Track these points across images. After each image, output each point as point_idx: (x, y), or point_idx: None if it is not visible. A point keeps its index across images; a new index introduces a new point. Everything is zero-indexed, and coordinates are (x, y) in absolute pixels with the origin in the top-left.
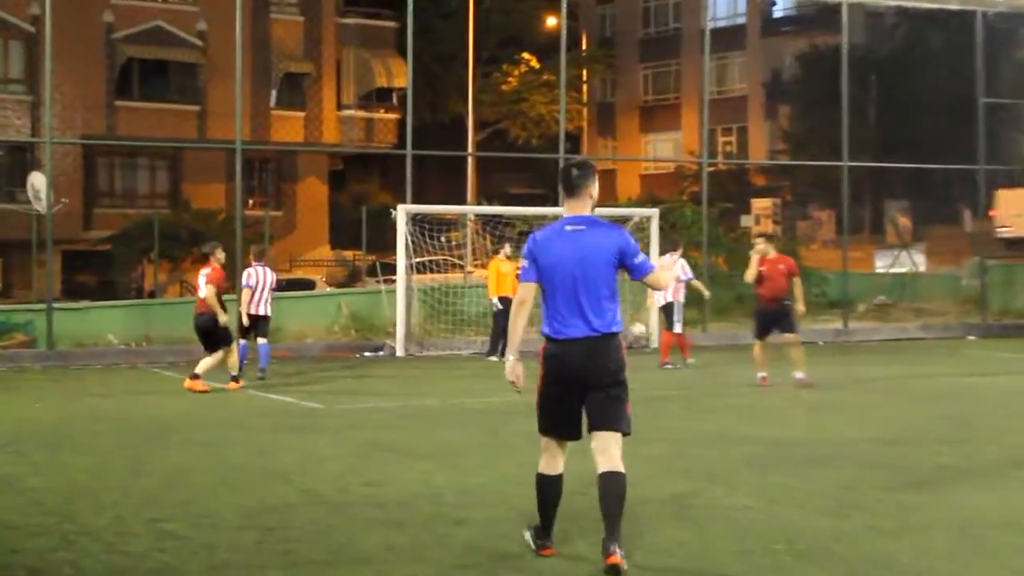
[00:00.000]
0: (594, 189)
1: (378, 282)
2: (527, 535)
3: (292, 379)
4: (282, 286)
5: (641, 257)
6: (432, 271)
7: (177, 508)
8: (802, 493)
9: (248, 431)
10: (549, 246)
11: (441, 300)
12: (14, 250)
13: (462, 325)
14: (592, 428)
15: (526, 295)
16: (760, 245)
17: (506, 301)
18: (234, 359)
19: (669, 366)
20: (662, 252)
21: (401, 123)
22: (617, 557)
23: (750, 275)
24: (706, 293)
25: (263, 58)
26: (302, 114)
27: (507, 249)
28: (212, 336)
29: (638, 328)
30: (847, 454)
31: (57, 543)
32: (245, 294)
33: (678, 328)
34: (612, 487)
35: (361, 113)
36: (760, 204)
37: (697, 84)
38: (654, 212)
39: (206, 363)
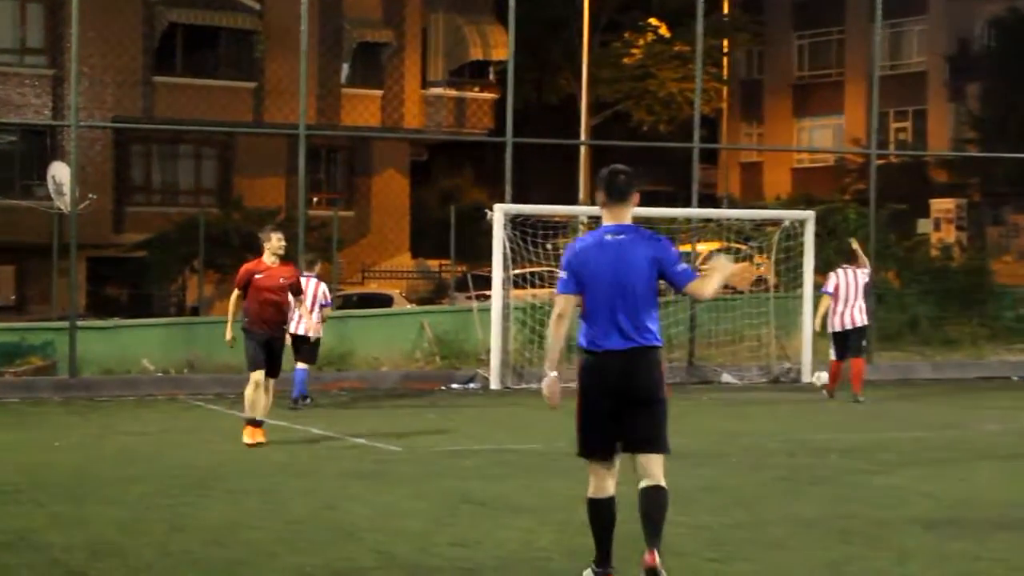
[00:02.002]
0: (636, 198)
1: (469, 298)
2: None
3: (364, 415)
4: (352, 302)
5: (682, 266)
6: (535, 285)
7: (225, 571)
8: (991, 564)
9: (310, 478)
10: (588, 256)
11: (545, 321)
12: (31, 256)
13: (570, 352)
14: (631, 449)
15: (565, 308)
16: None
17: None
18: (251, 395)
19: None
20: (828, 267)
21: (500, 104)
22: (655, 557)
23: None
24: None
25: (333, 25)
26: (380, 93)
27: None
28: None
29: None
30: None
31: None
32: None
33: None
34: (654, 499)
35: (451, 92)
36: (941, 206)
37: (864, 57)
38: (809, 215)
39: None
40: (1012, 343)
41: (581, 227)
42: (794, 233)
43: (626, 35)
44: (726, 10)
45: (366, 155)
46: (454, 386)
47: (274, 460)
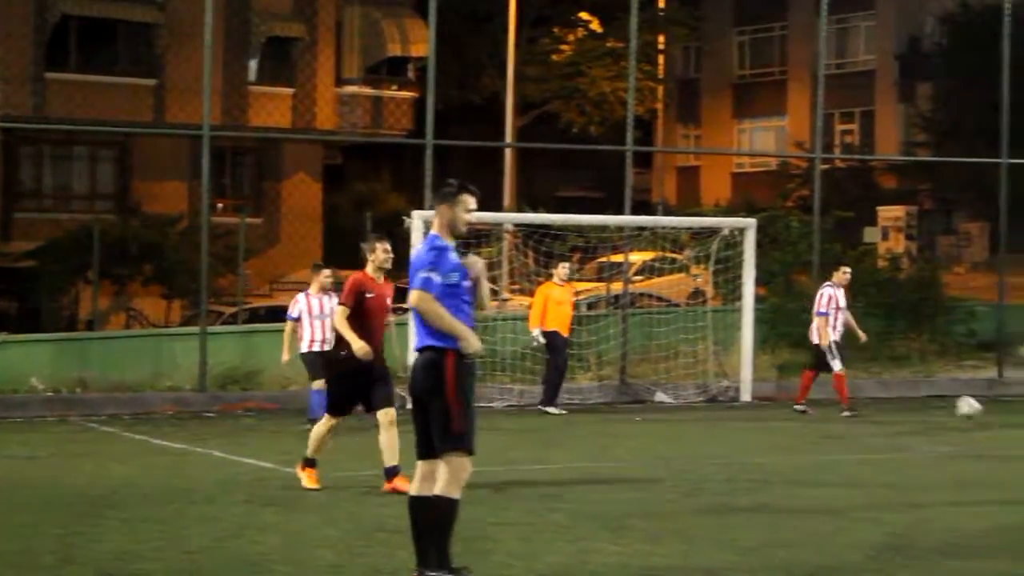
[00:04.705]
0: (439, 210)
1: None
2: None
3: (271, 438)
4: (259, 315)
5: (421, 276)
6: None
7: None
8: None
9: (213, 505)
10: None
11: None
12: None
13: (492, 368)
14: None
15: None
16: None
17: (554, 337)
18: (322, 434)
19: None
20: (770, 278)
21: (419, 104)
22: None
23: None
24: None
25: (240, 18)
26: (290, 91)
27: (562, 270)
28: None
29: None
30: (996, 544)
31: None
32: (288, 328)
33: (838, 366)
34: (423, 512)
35: (367, 90)
36: (890, 213)
37: (809, 55)
38: (749, 223)
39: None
40: (963, 359)
41: (506, 235)
42: (733, 242)
43: (555, 30)
44: (662, 4)
45: (275, 158)
46: None
47: (174, 486)
